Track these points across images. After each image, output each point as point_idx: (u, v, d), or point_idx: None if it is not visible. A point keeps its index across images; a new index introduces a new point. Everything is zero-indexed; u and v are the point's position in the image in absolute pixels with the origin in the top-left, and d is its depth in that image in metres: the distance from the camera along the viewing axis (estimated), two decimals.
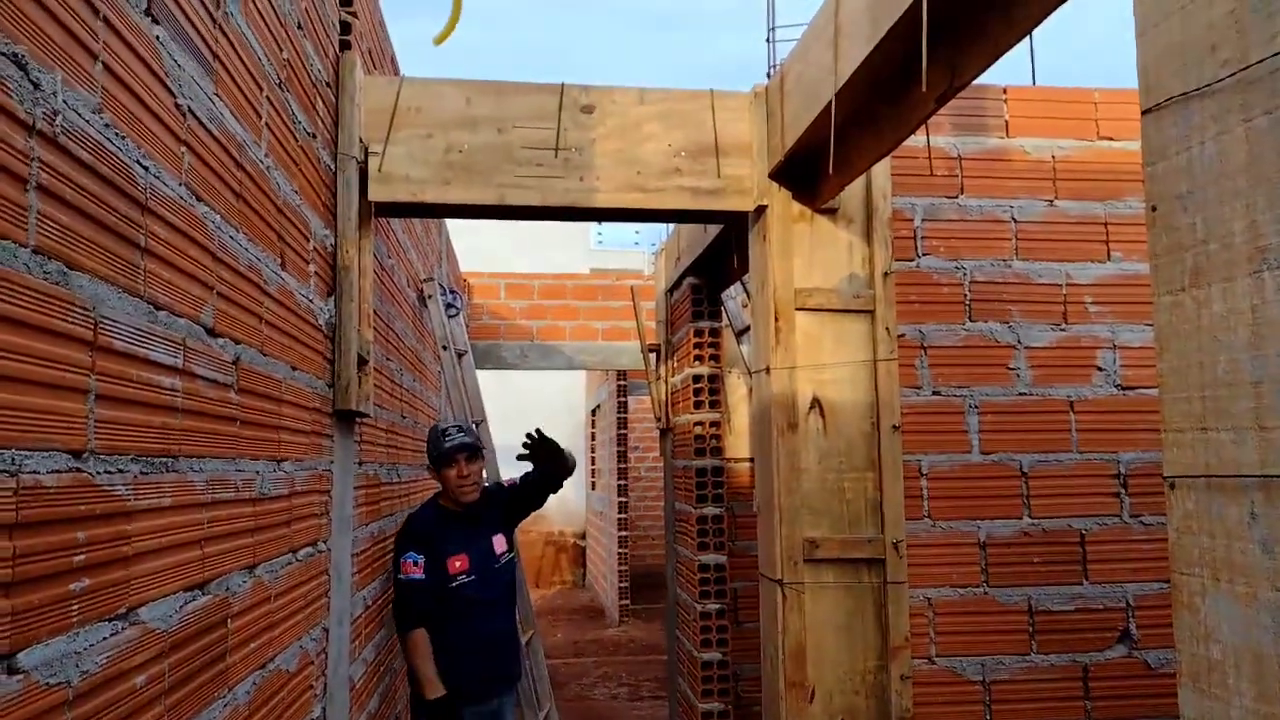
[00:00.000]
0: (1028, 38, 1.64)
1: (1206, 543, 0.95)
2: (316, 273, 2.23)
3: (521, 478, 3.57)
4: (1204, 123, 0.98)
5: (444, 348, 4.58)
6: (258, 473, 1.71)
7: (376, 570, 3.19)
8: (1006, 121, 2.81)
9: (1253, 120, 0.92)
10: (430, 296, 4.49)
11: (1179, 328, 1.01)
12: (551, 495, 3.63)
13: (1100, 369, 2.74)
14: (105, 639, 1.07)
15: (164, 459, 1.26)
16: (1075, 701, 2.61)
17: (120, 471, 1.12)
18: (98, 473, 1.06)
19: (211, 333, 1.46)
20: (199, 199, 1.40)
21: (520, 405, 15.32)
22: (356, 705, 2.79)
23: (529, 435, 3.55)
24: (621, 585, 10.69)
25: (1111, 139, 2.81)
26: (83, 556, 1.02)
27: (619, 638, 9.60)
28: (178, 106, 1.32)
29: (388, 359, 3.38)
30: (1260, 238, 0.91)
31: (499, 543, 3.41)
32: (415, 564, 3.17)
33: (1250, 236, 0.92)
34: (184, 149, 1.34)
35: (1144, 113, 1.06)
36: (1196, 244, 0.99)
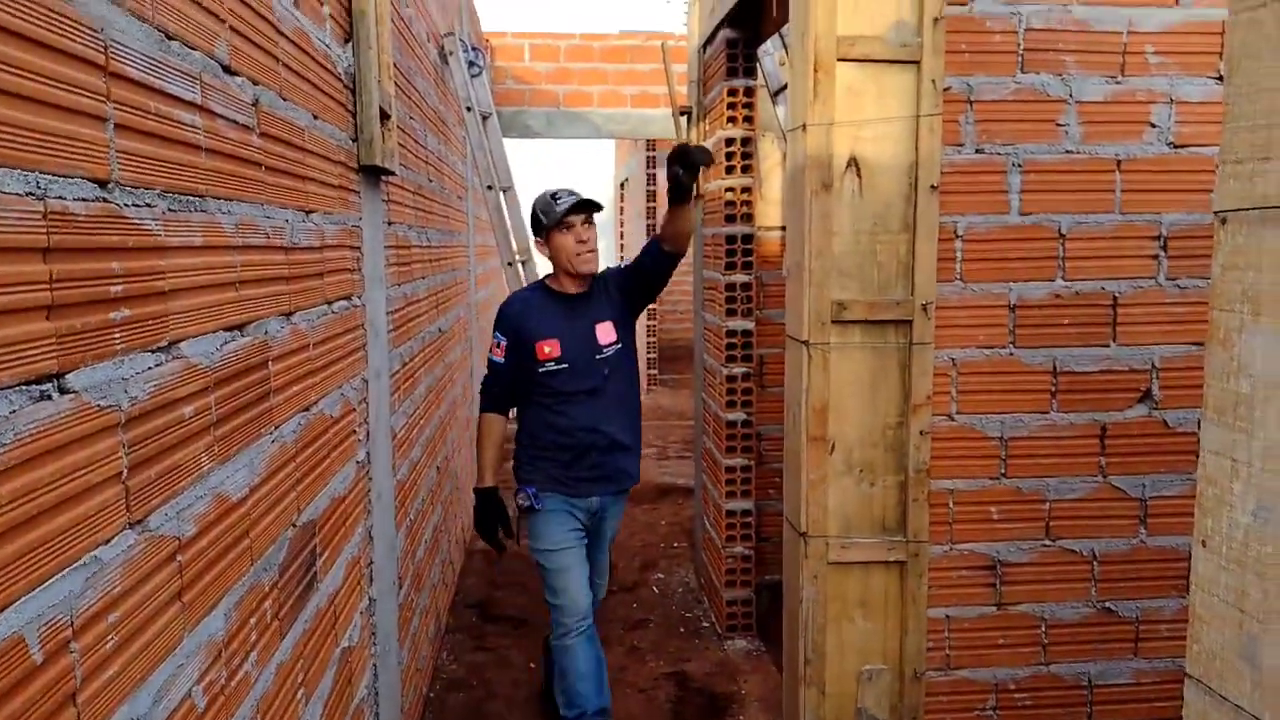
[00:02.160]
0: None
1: (1251, 278, 0.92)
2: (332, 16, 2.12)
3: (638, 256, 3.08)
4: None
5: (468, 109, 4.45)
6: (286, 221, 1.70)
7: (411, 330, 3.27)
8: None
9: None
10: (451, 53, 4.30)
11: (1255, 46, 0.93)
12: (671, 268, 3.04)
13: (1154, 125, 2.61)
14: (150, 369, 1.11)
15: (191, 197, 1.24)
16: (1091, 457, 2.69)
17: (148, 205, 1.11)
18: (125, 204, 1.05)
19: (228, 70, 1.40)
20: None
21: (545, 176, 15.12)
22: (400, 453, 2.94)
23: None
24: (650, 355, 10.96)
25: None
26: (120, 287, 1.03)
27: (646, 404, 9.97)
28: None
29: (410, 117, 3.29)
30: None
31: (605, 331, 3.02)
32: (499, 345, 3.03)
33: None
34: None
35: None
36: None
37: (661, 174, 10.95)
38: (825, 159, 2.51)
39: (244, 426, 1.44)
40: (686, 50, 5.96)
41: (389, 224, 2.81)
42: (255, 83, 1.53)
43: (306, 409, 1.81)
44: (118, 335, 1.03)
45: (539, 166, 14.09)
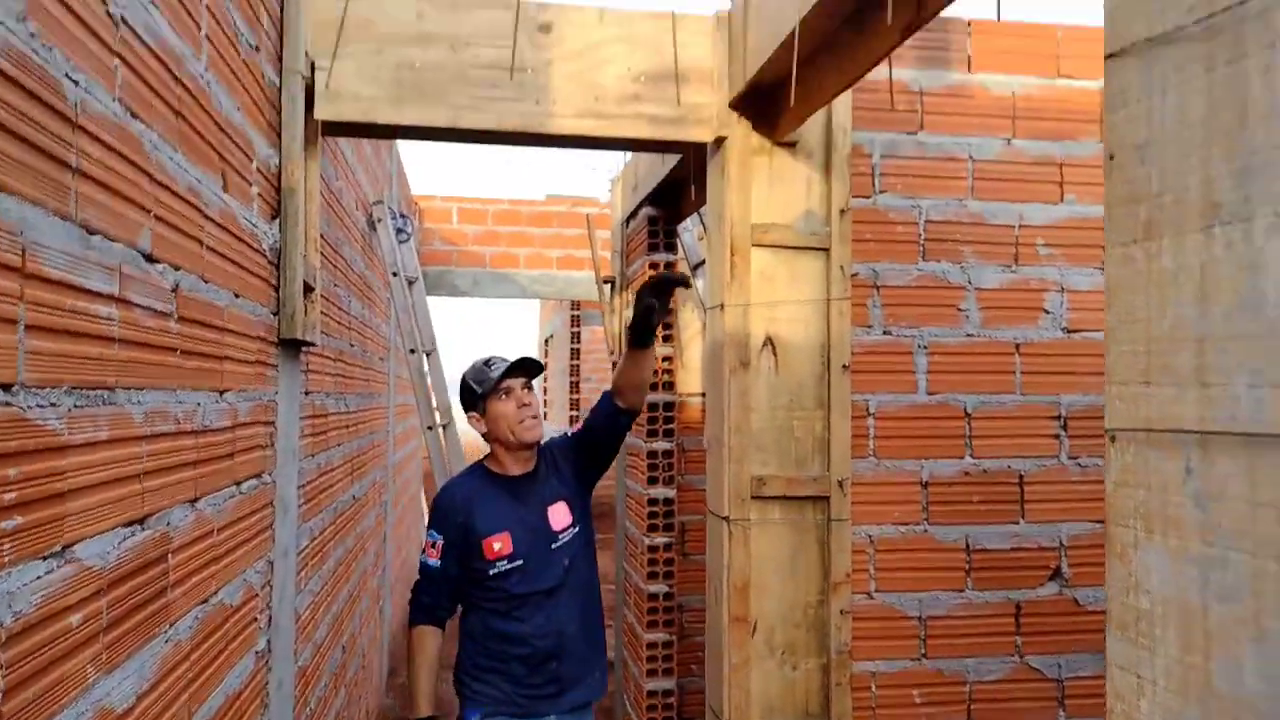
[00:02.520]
0: None
1: (1142, 495, 0.97)
2: (260, 195, 2.16)
3: (586, 419, 2.74)
4: (1166, 71, 0.97)
5: (394, 274, 4.50)
6: (199, 404, 1.67)
7: (323, 502, 3.18)
8: (969, 56, 2.79)
9: (1215, 71, 0.91)
10: (380, 220, 4.39)
11: (1129, 280, 1.01)
12: (628, 429, 2.73)
13: (1047, 311, 2.78)
14: (39, 578, 1.05)
15: (100, 391, 1.21)
16: (1007, 636, 2.71)
17: (53, 405, 1.08)
18: (29, 406, 1.02)
19: (149, 259, 1.40)
20: (134, 116, 1.33)
21: (472, 334, 15.22)
22: (303, 635, 2.79)
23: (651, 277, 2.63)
24: None
25: (1072, 77, 2.80)
26: (14, 494, 0.99)
27: None
28: (110, 15, 1.24)
29: (335, 285, 3.32)
30: (1214, 193, 0.91)
31: (558, 514, 2.62)
32: (433, 545, 2.58)
33: (1204, 191, 0.92)
34: (117, 62, 1.27)
35: (1107, 57, 1.05)
36: (1151, 196, 0.99)
37: (586, 331, 11.15)
38: (743, 338, 2.60)
39: (138, 628, 1.35)
40: (610, 219, 6.20)
41: (306, 394, 2.77)
42: (177, 268, 1.53)
43: (205, 601, 1.71)
44: (6, 546, 0.97)
45: (464, 325, 14.20)
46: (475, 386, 2.63)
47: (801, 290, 2.63)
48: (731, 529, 2.55)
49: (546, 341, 13.02)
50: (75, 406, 1.14)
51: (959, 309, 2.75)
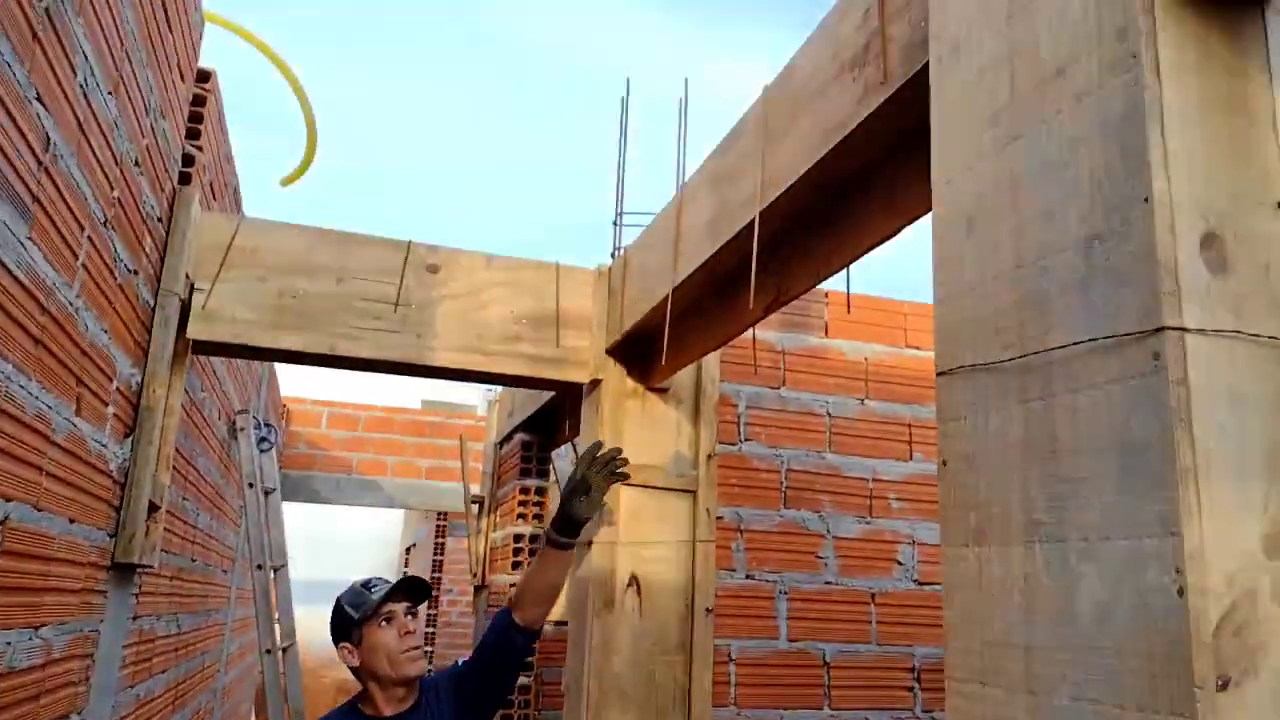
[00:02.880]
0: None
1: None
2: (116, 414, 2.08)
3: (478, 645, 2.38)
4: (989, 395, 1.08)
5: (249, 484, 4.31)
6: (9, 643, 1.52)
7: None
8: (827, 323, 3.02)
9: (1029, 402, 1.02)
10: (242, 429, 4.25)
11: (964, 580, 1.08)
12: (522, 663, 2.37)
13: (900, 563, 2.89)
14: None
15: None
16: None
17: None
18: None
19: None
20: None
21: (331, 534, 14.50)
22: None
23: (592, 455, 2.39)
24: None
25: (918, 348, 3.07)
26: None
27: None
28: None
29: (184, 498, 3.15)
30: (1033, 511, 0.99)
31: None
32: None
33: (1025, 508, 1.00)
34: None
35: (939, 374, 1.17)
36: (980, 505, 1.07)
37: (451, 542, 10.78)
38: (608, 577, 2.58)
39: None
40: (485, 433, 6.19)
41: (134, 619, 2.56)
42: (8, 499, 1.44)
43: None
44: None
45: (325, 521, 13.57)
46: (351, 612, 2.19)
47: (669, 530, 2.66)
48: None
49: (408, 550, 12.51)
50: None
51: (818, 556, 2.83)
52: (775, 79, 1.81)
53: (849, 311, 2.74)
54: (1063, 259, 0.98)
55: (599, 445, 2.42)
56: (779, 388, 2.93)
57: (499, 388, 4.72)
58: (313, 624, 4.85)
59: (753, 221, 1.79)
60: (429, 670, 2.33)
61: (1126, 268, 0.89)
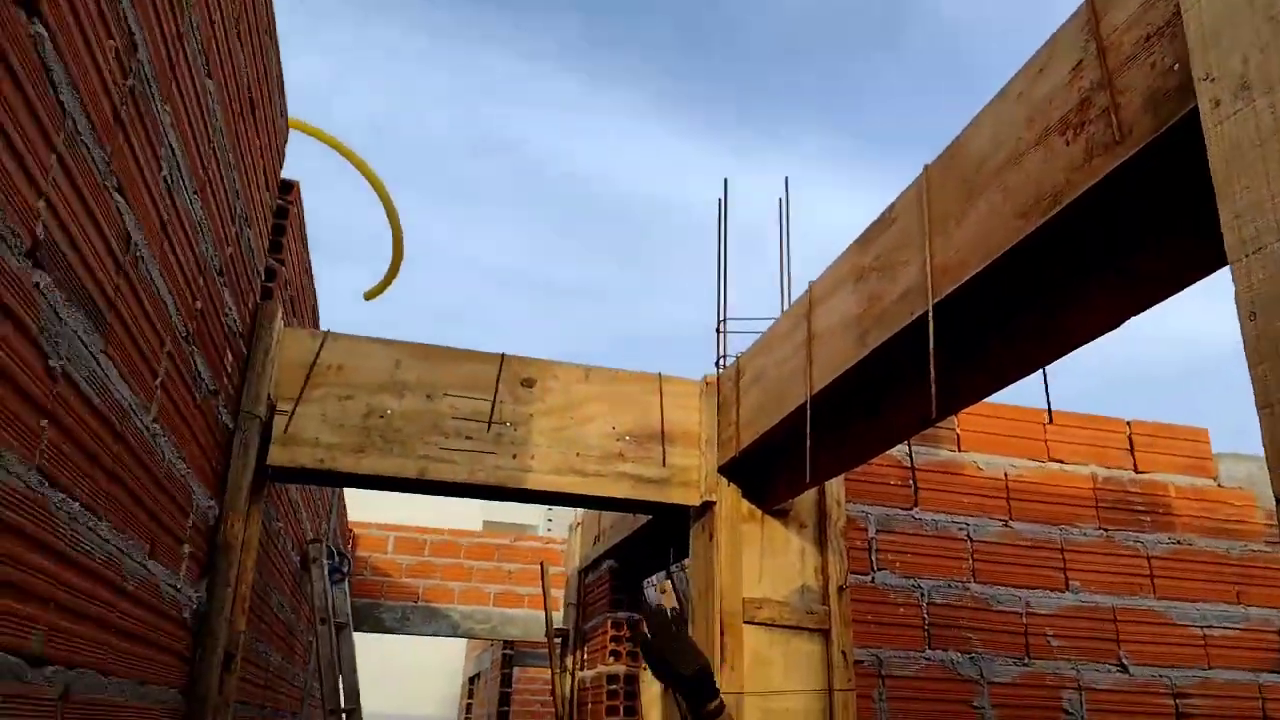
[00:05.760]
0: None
1: None
2: (191, 553, 1.85)
3: None
4: None
5: (322, 621, 4.04)
6: None
7: None
8: (958, 435, 2.72)
9: None
10: (315, 560, 4.01)
11: None
12: None
13: (1067, 712, 2.49)
14: None
15: None
16: None
17: None
18: None
19: (36, 661, 1.08)
20: (53, 484, 1.07)
21: (388, 668, 14.02)
22: None
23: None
24: None
25: (1063, 462, 2.73)
26: None
27: None
28: (48, 370, 1.03)
29: (257, 641, 2.89)
30: None
31: None
32: None
33: None
34: (45, 422, 1.03)
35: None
36: None
37: (518, 670, 10.29)
38: None
39: None
40: (560, 556, 5.88)
41: None
42: (71, 667, 1.20)
43: None
44: None
45: (382, 653, 13.16)
46: None
47: (799, 677, 2.32)
48: None
49: (471, 681, 12.00)
50: None
51: (973, 706, 2.44)
52: (936, 159, 1.59)
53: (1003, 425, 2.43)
54: None
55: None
56: (911, 508, 2.62)
57: (573, 510, 4.45)
58: None
59: (921, 317, 1.54)
60: None
61: None
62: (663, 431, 2.53)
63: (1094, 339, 1.36)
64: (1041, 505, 2.68)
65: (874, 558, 2.55)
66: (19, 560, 1.00)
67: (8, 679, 1.00)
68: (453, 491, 2.43)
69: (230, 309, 1.92)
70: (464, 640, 12.55)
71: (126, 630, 1.44)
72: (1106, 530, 2.68)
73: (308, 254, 2.99)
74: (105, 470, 1.24)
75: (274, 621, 3.27)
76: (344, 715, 3.88)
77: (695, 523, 2.56)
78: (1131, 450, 2.77)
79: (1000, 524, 2.64)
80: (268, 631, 3.14)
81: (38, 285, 0.98)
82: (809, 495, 2.50)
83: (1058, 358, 1.43)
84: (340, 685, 3.97)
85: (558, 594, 4.66)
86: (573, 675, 4.05)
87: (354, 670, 4.15)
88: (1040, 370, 1.50)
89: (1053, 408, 2.34)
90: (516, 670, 10.10)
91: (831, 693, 2.30)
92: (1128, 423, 2.82)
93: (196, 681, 1.94)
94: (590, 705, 3.73)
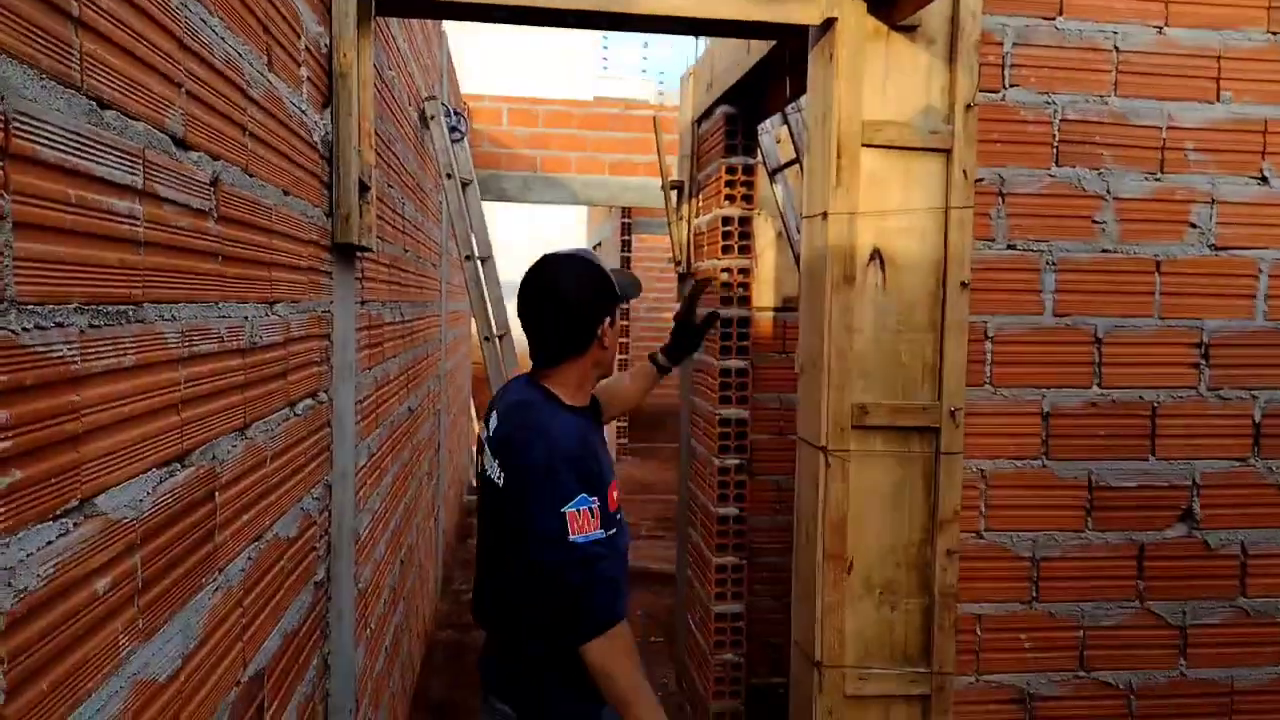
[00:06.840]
0: None
1: None
2: (309, 78, 1.88)
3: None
4: None
5: (448, 175, 4.21)
6: (246, 318, 1.43)
7: (380, 416, 2.98)
8: None
9: None
10: (433, 117, 4.08)
11: None
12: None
13: (1194, 225, 2.44)
14: (50, 543, 0.82)
15: (123, 306, 0.98)
16: (1128, 580, 2.46)
17: (59, 325, 0.84)
18: (24, 329, 0.78)
19: (181, 144, 1.14)
20: None
21: (514, 239, 14.90)
22: (363, 557, 2.63)
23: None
24: (621, 425, 10.66)
25: None
26: (9, 443, 0.76)
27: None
28: None
29: (389, 185, 3.05)
30: None
31: None
32: (591, 513, 1.72)
33: None
34: None
35: None
36: None
37: (637, 240, 10.81)
38: (847, 250, 2.30)
39: (179, 583, 1.14)
40: (674, 121, 5.82)
41: (362, 304, 2.54)
42: (216, 158, 1.28)
43: (258, 538, 1.51)
44: (1, 511, 0.75)
45: (508, 227, 13.92)
46: (607, 289, 1.99)
47: (917, 197, 2.31)
48: (829, 460, 2.31)
49: (595, 248, 12.70)
50: (90, 326, 0.90)
51: (1094, 221, 2.41)
52: None
53: None
54: None
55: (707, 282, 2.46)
56: (1054, 17, 2.38)
57: (686, 62, 4.28)
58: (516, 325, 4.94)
59: None
60: None
61: None
62: None
63: None
64: (1205, 7, 2.41)
65: (1007, 74, 2.39)
66: (132, 29, 1.01)
67: (156, 151, 1.07)
68: (555, 20, 2.33)
69: None
70: (584, 212, 13.09)
71: (261, 138, 1.51)
72: (1274, 35, 2.41)
73: None
74: None
75: (402, 173, 3.43)
76: (479, 261, 4.19)
77: (814, 46, 2.42)
78: None
79: (1154, 31, 2.40)
80: (398, 180, 3.30)
81: None
82: (941, 7, 2.30)
83: None
84: (473, 236, 4.24)
85: (670, 160, 4.67)
86: (688, 223, 4.19)
87: (484, 225, 4.40)
88: None
89: None
90: (634, 239, 10.58)
91: (948, 211, 2.30)
92: None
93: (338, 204, 2.08)
94: (705, 248, 3.89)
